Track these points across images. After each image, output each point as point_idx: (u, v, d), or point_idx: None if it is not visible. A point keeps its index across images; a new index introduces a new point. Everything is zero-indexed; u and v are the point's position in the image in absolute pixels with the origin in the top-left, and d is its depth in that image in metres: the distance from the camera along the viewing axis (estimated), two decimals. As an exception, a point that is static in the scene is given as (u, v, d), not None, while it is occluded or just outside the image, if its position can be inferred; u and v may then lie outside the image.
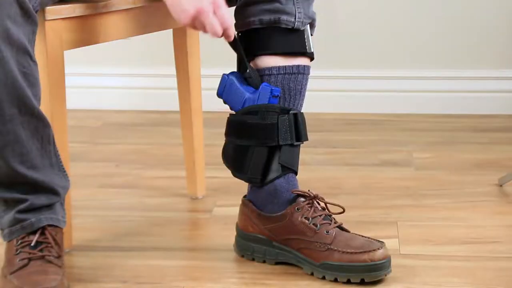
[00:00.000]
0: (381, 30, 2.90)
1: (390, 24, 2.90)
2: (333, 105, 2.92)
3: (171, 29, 2.00)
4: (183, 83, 2.03)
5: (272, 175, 1.67)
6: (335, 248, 1.61)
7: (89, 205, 2.07)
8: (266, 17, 1.64)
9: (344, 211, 1.68)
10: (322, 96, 2.88)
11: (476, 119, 2.81)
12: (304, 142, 1.69)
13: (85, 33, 1.73)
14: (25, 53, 1.47)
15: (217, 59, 2.67)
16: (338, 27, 2.90)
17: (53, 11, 1.65)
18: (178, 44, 2.02)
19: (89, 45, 1.75)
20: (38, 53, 1.57)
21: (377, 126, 2.76)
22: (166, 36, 2.07)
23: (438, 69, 2.90)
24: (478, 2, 2.86)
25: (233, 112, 1.70)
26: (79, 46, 1.73)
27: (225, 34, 1.58)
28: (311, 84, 1.72)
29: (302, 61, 1.68)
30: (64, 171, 1.63)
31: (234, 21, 1.63)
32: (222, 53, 2.65)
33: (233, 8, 1.71)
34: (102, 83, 3.02)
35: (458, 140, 2.58)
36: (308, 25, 1.68)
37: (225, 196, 2.09)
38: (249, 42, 1.67)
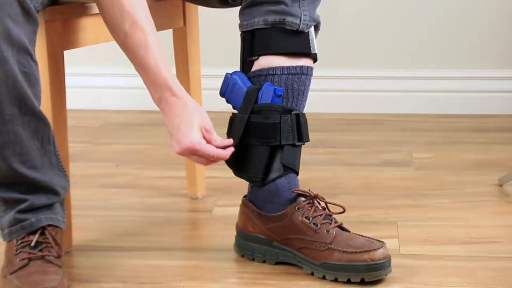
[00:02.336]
0: (381, 30, 2.91)
1: (390, 24, 2.90)
2: (333, 105, 2.92)
3: (171, 29, 2.00)
4: (183, 83, 2.01)
5: (273, 175, 1.67)
6: (336, 248, 1.61)
7: (89, 205, 2.07)
8: (271, 18, 1.64)
9: (344, 211, 1.68)
10: (322, 96, 2.88)
11: (476, 119, 2.82)
12: (305, 143, 1.69)
13: (85, 33, 1.73)
14: (26, 53, 1.47)
15: (217, 59, 2.67)
16: (338, 27, 2.90)
17: (53, 11, 1.65)
18: (178, 44, 2.02)
19: (89, 45, 1.75)
20: (38, 53, 1.57)
21: (377, 126, 2.76)
22: (166, 36, 2.06)
23: (438, 69, 2.91)
24: (479, 2, 2.86)
25: (235, 111, 1.70)
26: (79, 46, 1.73)
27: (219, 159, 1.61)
28: (311, 84, 1.72)
29: (305, 62, 1.68)
30: (64, 171, 1.63)
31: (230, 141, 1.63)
32: (222, 53, 2.66)
33: (238, 8, 1.71)
34: (102, 83, 3.02)
35: (458, 140, 2.58)
36: (313, 27, 1.68)
37: (225, 196, 2.09)
38: (253, 42, 1.67)
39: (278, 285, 1.62)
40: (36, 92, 1.51)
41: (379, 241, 1.63)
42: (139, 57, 1.56)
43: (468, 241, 1.81)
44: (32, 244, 1.56)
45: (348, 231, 1.66)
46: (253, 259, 1.72)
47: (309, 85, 1.70)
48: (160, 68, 1.56)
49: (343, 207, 1.68)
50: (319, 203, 1.68)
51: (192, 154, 1.58)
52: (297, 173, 1.70)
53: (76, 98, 2.84)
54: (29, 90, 1.48)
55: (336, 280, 1.61)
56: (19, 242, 1.57)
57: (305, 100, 1.70)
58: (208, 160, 1.59)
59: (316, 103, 2.76)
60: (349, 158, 2.41)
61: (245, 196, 1.75)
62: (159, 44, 1.57)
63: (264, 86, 1.65)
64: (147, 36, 1.55)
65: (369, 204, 2.04)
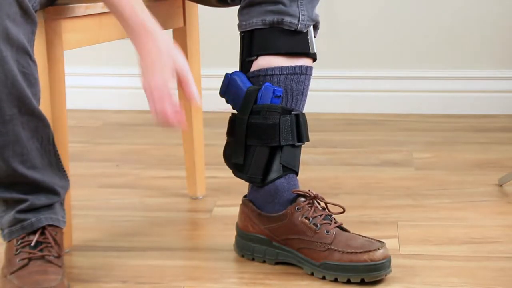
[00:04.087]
0: (381, 30, 2.90)
1: (391, 24, 2.90)
2: (333, 105, 2.92)
3: (171, 29, 2.00)
4: (183, 83, 2.02)
5: (273, 175, 1.67)
6: (335, 248, 1.61)
7: (89, 205, 2.07)
8: (269, 18, 1.64)
9: (344, 211, 1.68)
10: (322, 96, 2.88)
11: (476, 119, 2.81)
12: (305, 143, 1.69)
13: (85, 33, 1.73)
14: (25, 53, 1.47)
15: (217, 59, 2.67)
16: (338, 27, 2.90)
17: (53, 11, 1.65)
18: (178, 44, 2.01)
19: (89, 45, 1.75)
20: (38, 53, 1.57)
21: (377, 126, 2.76)
22: (166, 36, 2.06)
23: (438, 69, 2.91)
24: (478, 2, 2.86)
25: (235, 111, 1.70)
26: (79, 46, 1.73)
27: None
28: (311, 84, 1.72)
29: (305, 61, 1.68)
30: (64, 171, 1.63)
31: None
32: (222, 53, 2.65)
33: (237, 8, 1.71)
34: (102, 83, 3.02)
35: (458, 140, 2.58)
36: (312, 27, 1.68)
37: (225, 196, 2.09)
38: (251, 42, 1.67)
39: (278, 285, 1.62)
40: (36, 92, 1.51)
41: (379, 241, 1.63)
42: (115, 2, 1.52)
43: (468, 241, 1.81)
44: (32, 244, 1.56)
45: (348, 231, 1.66)
46: (253, 259, 1.72)
47: (308, 84, 1.70)
48: (134, 12, 1.51)
49: (343, 207, 1.68)
50: (319, 203, 1.68)
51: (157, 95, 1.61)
52: (296, 174, 1.70)
53: (76, 98, 2.84)
54: (28, 90, 1.48)
55: (336, 280, 1.61)
56: (19, 242, 1.57)
57: (305, 100, 1.70)
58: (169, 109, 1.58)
59: (316, 103, 2.76)
60: (349, 158, 2.41)
61: (245, 196, 1.75)
62: None
63: (263, 87, 1.65)
64: None
65: (369, 204, 2.04)
